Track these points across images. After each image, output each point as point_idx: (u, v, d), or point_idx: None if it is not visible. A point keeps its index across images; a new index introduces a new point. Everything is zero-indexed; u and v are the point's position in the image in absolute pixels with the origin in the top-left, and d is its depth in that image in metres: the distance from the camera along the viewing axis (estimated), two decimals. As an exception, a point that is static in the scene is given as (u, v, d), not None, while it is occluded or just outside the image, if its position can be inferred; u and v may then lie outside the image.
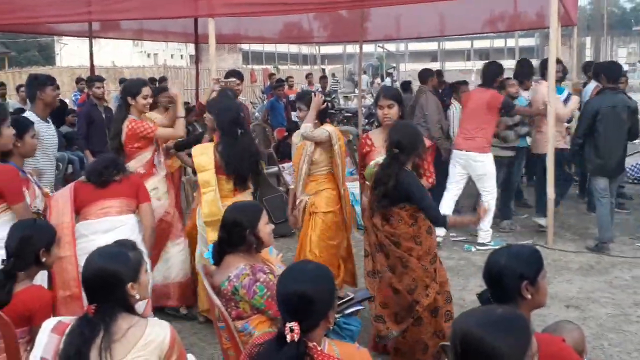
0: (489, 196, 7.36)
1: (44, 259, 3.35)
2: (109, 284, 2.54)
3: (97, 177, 4.32)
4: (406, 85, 12.13)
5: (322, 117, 5.23)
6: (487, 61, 8.55)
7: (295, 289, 2.39)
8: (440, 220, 4.25)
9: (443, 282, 4.39)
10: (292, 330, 2.31)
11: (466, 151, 7.40)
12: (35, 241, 3.34)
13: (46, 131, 5.19)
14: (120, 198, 4.34)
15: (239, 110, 5.21)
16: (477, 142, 7.34)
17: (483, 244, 7.30)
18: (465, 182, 7.64)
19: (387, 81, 30.13)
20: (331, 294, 2.49)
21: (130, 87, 5.52)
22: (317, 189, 5.14)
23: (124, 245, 2.76)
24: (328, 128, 5.10)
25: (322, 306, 2.42)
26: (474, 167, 7.41)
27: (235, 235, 3.34)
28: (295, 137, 5.45)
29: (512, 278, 2.58)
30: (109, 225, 4.26)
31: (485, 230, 7.40)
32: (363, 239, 4.53)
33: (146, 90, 5.42)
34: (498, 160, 7.63)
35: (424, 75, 9.11)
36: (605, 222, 7.12)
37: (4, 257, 3.32)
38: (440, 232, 6.80)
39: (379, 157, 4.57)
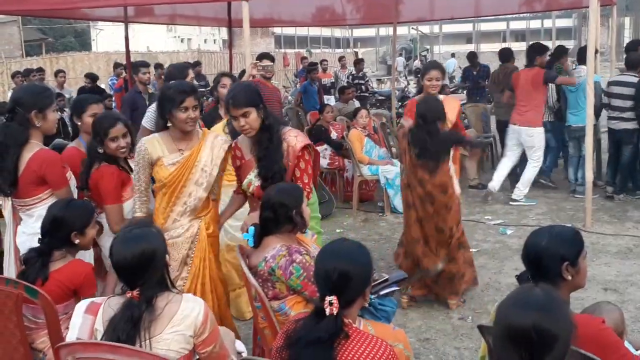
0: (533, 164, 8.30)
1: (76, 241, 3.38)
2: (151, 264, 2.58)
3: None
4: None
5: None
6: (532, 42, 9.09)
7: (334, 265, 2.44)
8: (482, 143, 5.36)
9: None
10: (331, 304, 2.36)
11: (519, 126, 8.26)
12: (67, 223, 3.36)
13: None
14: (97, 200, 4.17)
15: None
16: (527, 117, 8.20)
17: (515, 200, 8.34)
18: (519, 152, 8.49)
19: (453, 62, 29.19)
20: (368, 270, 2.54)
21: (175, 72, 5.53)
22: (207, 209, 4.04)
23: (145, 225, 2.80)
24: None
25: (359, 282, 2.47)
26: (525, 140, 8.26)
27: (282, 216, 3.37)
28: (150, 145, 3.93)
29: (553, 259, 2.57)
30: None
31: (521, 190, 8.35)
32: (404, 195, 5.27)
33: (192, 74, 5.46)
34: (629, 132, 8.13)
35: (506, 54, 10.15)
36: None
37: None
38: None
39: (252, 173, 3.95)
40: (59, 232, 3.34)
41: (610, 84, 8.33)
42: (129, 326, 2.48)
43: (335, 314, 2.37)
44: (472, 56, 13.02)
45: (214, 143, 4.00)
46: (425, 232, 5.10)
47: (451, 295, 5.18)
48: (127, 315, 2.49)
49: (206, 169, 3.92)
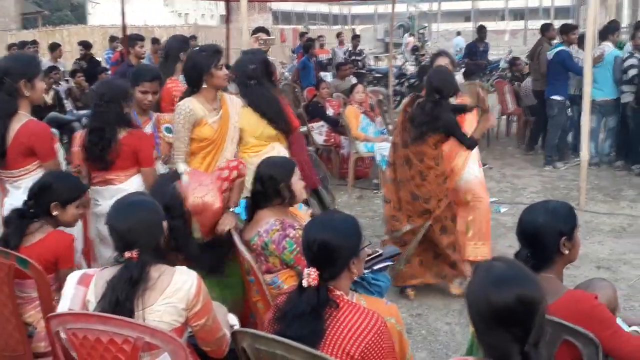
0: None
1: (55, 213, 3.32)
2: (153, 232, 2.62)
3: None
4: None
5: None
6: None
7: (316, 237, 2.46)
8: (472, 143, 4.89)
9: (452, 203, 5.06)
10: (308, 275, 2.39)
11: None
12: (52, 191, 3.31)
13: None
14: (117, 172, 4.10)
15: (251, 62, 4.70)
16: None
17: None
18: None
19: (460, 40, 28.67)
20: (354, 244, 2.52)
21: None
22: None
23: (143, 194, 2.77)
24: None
25: (343, 255, 2.46)
26: None
27: (270, 189, 3.36)
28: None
29: (551, 235, 2.57)
30: (112, 194, 4.01)
31: None
32: (389, 153, 5.19)
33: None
34: None
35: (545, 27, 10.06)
36: None
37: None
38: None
39: None
40: (42, 198, 3.30)
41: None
42: (128, 286, 2.47)
43: (314, 285, 2.38)
44: (481, 30, 12.87)
45: (232, 101, 4.32)
46: (399, 196, 4.96)
47: (437, 279, 5.04)
48: (126, 276, 2.48)
49: (236, 124, 4.29)
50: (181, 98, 4.32)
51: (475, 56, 12.37)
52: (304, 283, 2.39)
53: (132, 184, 4.11)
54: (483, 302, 1.96)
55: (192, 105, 4.18)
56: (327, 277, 2.42)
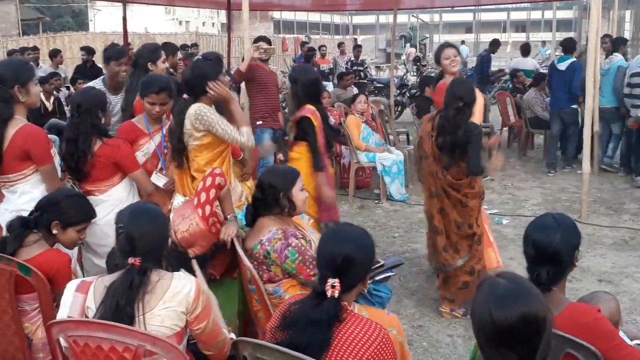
0: None
1: (54, 231, 3.30)
2: (161, 242, 2.65)
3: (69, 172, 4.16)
4: None
5: None
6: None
7: (340, 249, 2.45)
8: (478, 170, 4.67)
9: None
10: (333, 287, 2.37)
11: None
12: (57, 209, 3.30)
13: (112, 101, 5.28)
14: (95, 183, 4.14)
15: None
16: None
17: None
18: None
19: (465, 49, 28.57)
20: (371, 257, 2.55)
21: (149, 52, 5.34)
22: None
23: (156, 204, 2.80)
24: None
25: (362, 268, 2.48)
26: None
27: (270, 197, 3.35)
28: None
29: (569, 249, 2.61)
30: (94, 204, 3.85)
31: None
32: (427, 183, 4.91)
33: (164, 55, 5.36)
34: None
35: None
36: None
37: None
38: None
39: None
40: (47, 213, 3.29)
41: (632, 75, 8.60)
42: (128, 291, 2.48)
43: (336, 296, 2.36)
44: (496, 43, 12.97)
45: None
46: (446, 224, 4.82)
47: (444, 301, 4.90)
48: (127, 281, 2.49)
49: None
50: (182, 106, 4.10)
51: (487, 67, 12.41)
52: (328, 293, 2.37)
53: (111, 195, 4.13)
54: (487, 320, 1.96)
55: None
56: (344, 289, 2.41)
